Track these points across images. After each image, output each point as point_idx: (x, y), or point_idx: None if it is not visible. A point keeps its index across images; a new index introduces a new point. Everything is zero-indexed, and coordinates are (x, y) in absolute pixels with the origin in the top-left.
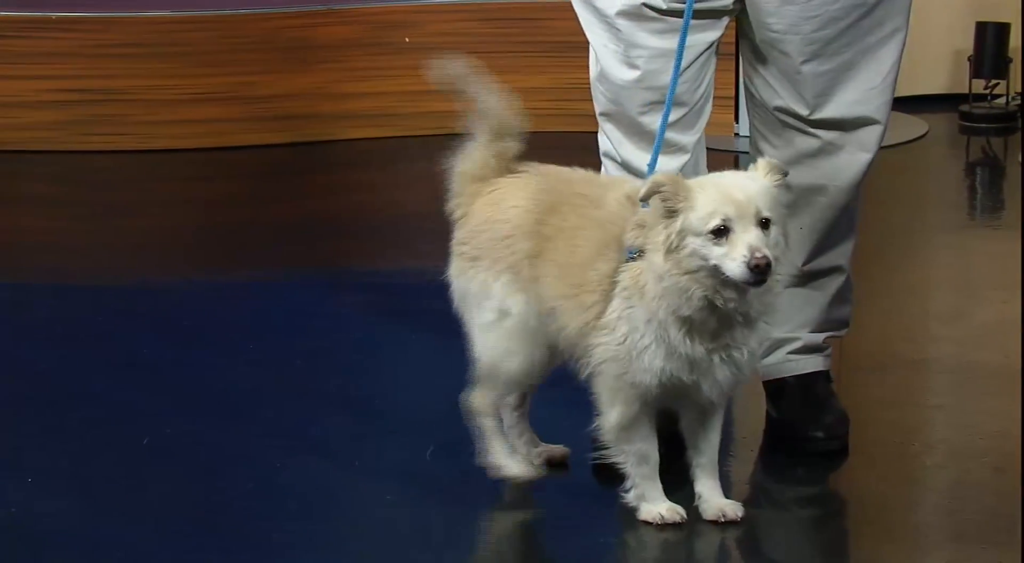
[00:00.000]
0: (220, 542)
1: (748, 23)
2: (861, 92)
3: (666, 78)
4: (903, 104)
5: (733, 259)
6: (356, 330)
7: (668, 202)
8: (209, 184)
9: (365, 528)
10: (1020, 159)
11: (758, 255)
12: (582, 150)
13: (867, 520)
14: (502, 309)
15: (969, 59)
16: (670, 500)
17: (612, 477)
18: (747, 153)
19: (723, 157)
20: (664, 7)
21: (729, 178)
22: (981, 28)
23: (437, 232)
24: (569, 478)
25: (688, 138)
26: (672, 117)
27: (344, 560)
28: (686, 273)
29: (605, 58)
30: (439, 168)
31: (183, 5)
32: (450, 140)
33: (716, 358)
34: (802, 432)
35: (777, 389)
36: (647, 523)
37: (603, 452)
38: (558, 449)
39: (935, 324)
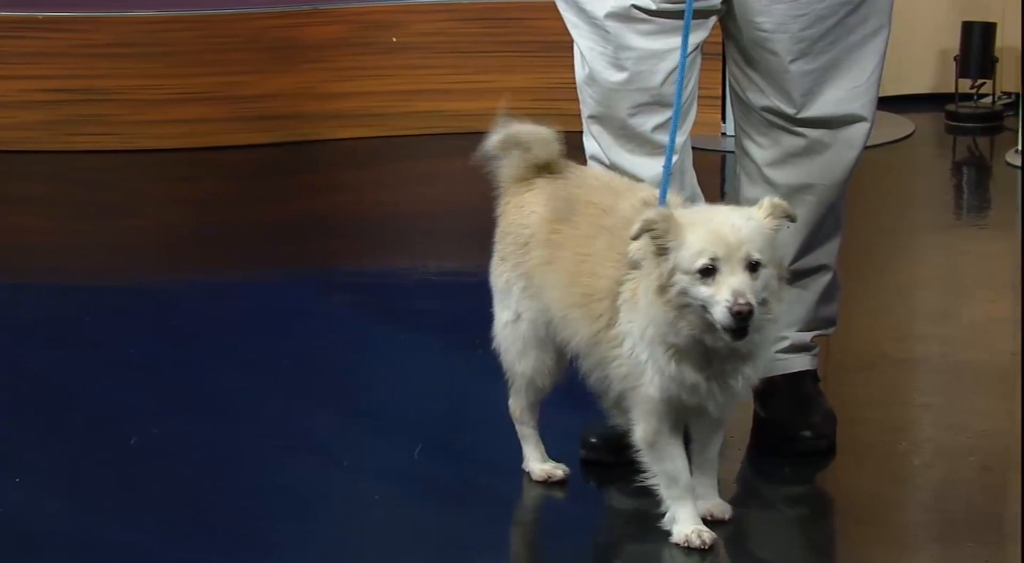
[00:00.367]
0: (213, 541)
1: (735, 23)
2: (847, 90)
3: (655, 79)
4: (889, 104)
5: (717, 303)
6: (346, 329)
7: (659, 239)
8: (197, 184)
9: (355, 527)
10: (1020, 160)
11: (741, 301)
12: (568, 150)
13: (855, 519)
14: (518, 312)
15: (955, 59)
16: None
17: (602, 477)
18: (733, 153)
19: (709, 157)
20: (653, 8)
21: (723, 216)
22: (967, 28)
23: (426, 231)
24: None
25: (676, 139)
26: (661, 119)
27: (336, 559)
28: (675, 310)
29: (594, 61)
30: (426, 167)
31: (170, 5)
32: (437, 140)
33: (715, 386)
34: (790, 431)
35: (765, 388)
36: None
37: (643, 475)
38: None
39: (922, 323)
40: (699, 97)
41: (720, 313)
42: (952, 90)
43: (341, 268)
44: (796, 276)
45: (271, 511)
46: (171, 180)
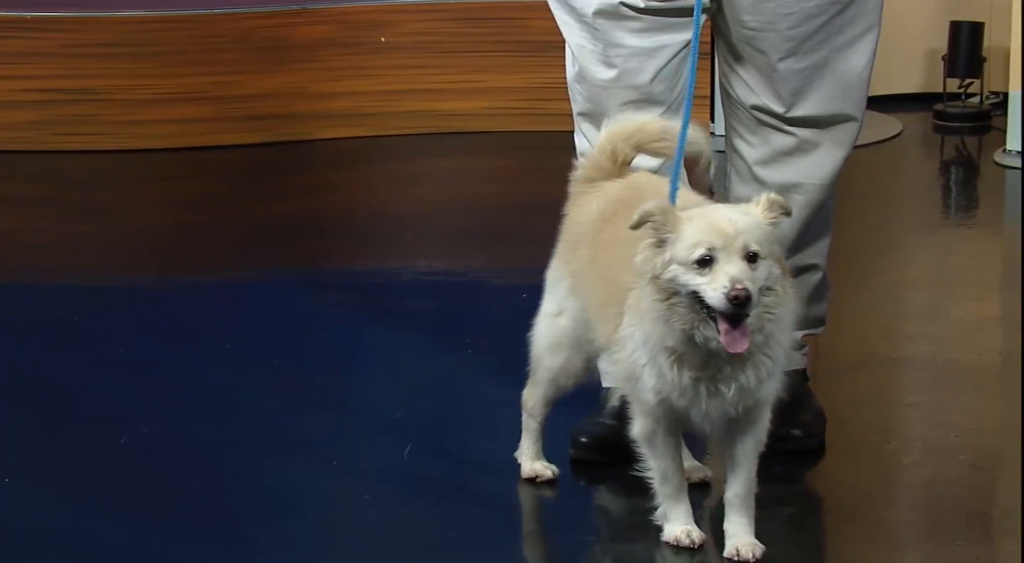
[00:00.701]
0: (205, 541)
1: (724, 21)
2: (836, 89)
3: (644, 77)
4: (877, 103)
5: (714, 289)
6: (335, 329)
7: (658, 231)
8: (186, 184)
9: (344, 527)
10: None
11: (739, 286)
12: (557, 149)
13: (844, 518)
14: (561, 307)
15: (943, 58)
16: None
17: (591, 475)
18: (723, 152)
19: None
20: (642, 5)
21: (720, 211)
22: (955, 27)
23: (416, 231)
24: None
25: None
26: (650, 116)
27: (327, 558)
28: (667, 302)
29: (583, 58)
30: (416, 166)
31: (159, 5)
32: (427, 139)
33: (702, 388)
34: (780, 430)
35: None
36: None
37: (639, 465)
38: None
39: (911, 322)
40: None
41: (717, 300)
42: (940, 90)
43: (331, 267)
44: None
45: (262, 510)
46: (161, 180)
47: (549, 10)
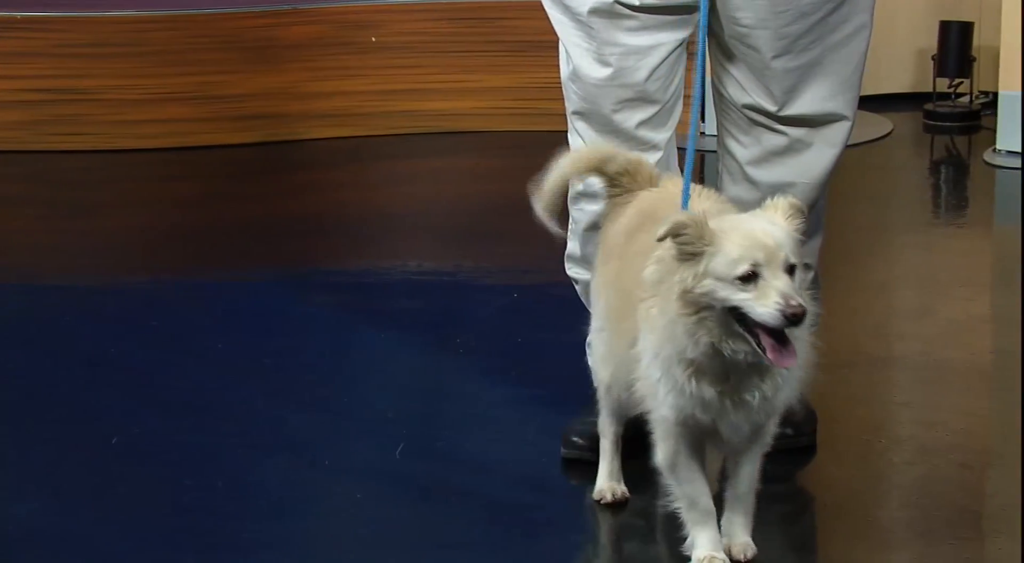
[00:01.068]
0: (190, 541)
1: (717, 19)
2: (829, 88)
3: (639, 75)
4: (867, 103)
5: (765, 306)
6: (325, 329)
7: (690, 245)
8: (176, 184)
9: (335, 527)
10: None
11: (793, 303)
12: (547, 149)
13: (835, 516)
14: (603, 323)
15: (933, 58)
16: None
17: (584, 476)
18: (714, 152)
19: None
20: (637, 3)
21: (753, 222)
22: (945, 27)
23: (406, 231)
24: (542, 475)
25: (660, 136)
26: (644, 115)
27: (317, 558)
28: (696, 316)
29: (578, 57)
30: (407, 166)
31: (149, 5)
32: (417, 139)
33: (728, 402)
34: None
35: None
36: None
37: (667, 499)
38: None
39: (901, 322)
40: (681, 96)
41: (770, 316)
42: (930, 89)
43: (322, 267)
44: None
45: (252, 511)
46: (151, 180)
47: (539, 10)
